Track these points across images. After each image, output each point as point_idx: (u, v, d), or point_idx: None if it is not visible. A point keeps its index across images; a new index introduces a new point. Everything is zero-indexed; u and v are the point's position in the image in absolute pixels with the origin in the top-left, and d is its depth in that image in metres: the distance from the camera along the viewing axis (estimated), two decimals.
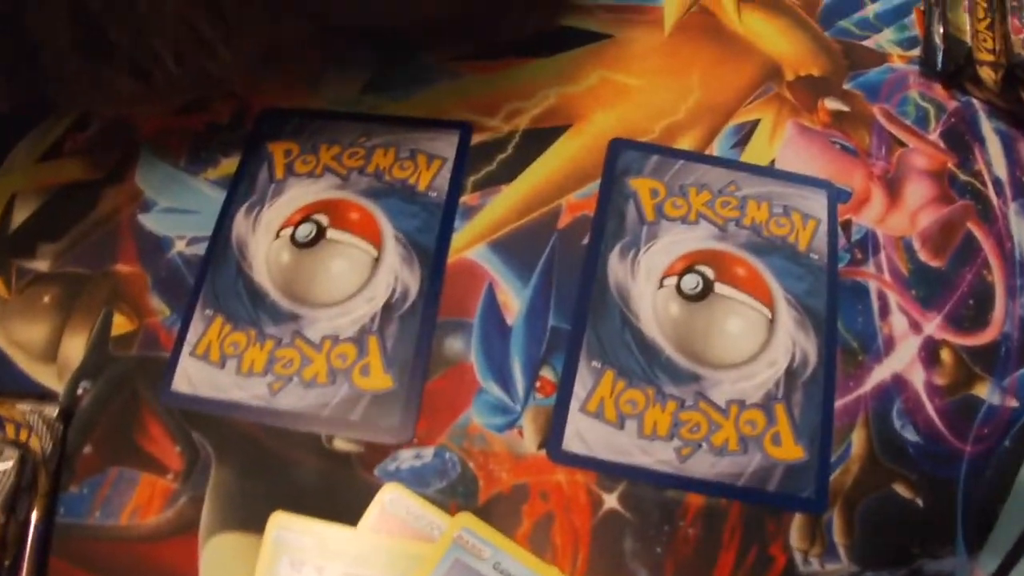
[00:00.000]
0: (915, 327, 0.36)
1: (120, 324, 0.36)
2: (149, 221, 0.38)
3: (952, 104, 0.42)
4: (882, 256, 0.37)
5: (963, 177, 0.40)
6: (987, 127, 0.41)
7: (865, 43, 0.43)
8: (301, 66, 0.40)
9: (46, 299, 0.37)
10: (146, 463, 0.34)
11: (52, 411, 0.35)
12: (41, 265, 0.38)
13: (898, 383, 0.35)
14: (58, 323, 0.37)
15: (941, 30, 0.43)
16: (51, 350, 0.36)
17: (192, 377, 0.35)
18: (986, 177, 0.40)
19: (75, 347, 0.36)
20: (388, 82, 0.40)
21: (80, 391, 0.35)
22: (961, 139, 0.41)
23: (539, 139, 0.38)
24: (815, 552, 0.32)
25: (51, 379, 0.36)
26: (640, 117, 0.39)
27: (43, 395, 0.35)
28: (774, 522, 0.32)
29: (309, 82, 0.40)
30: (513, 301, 0.35)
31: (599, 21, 0.42)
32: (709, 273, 0.35)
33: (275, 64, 0.37)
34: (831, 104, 0.40)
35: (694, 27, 0.42)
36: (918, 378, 0.35)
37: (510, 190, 0.37)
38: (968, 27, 0.43)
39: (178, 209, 0.38)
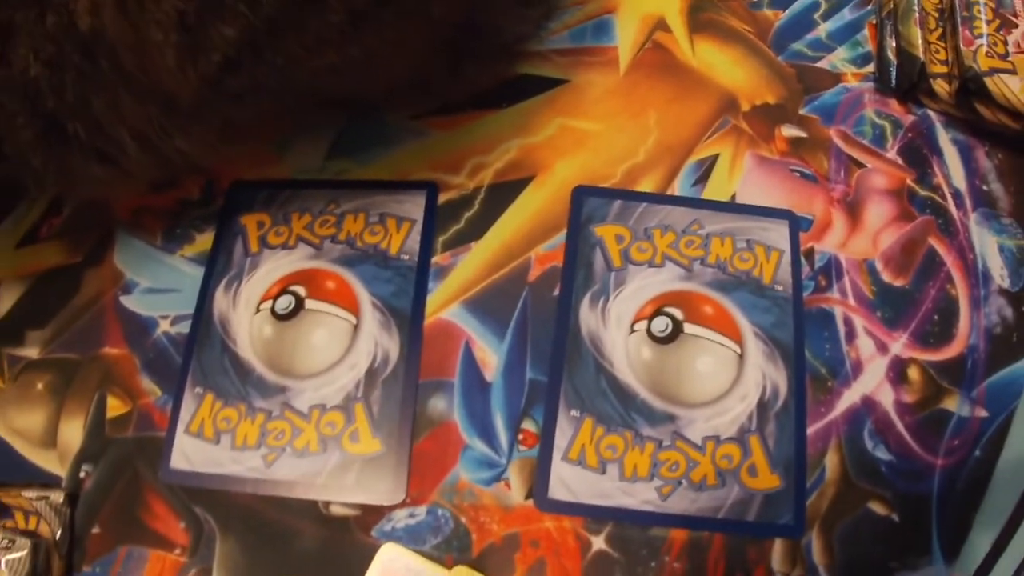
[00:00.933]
0: (882, 348, 0.37)
1: (114, 407, 0.37)
2: (132, 302, 0.39)
3: (908, 119, 0.42)
4: (846, 281, 0.38)
5: (923, 192, 0.41)
6: (944, 139, 0.42)
7: (819, 64, 0.43)
8: (265, 137, 0.40)
9: (39, 386, 0.38)
10: (153, 540, 0.35)
11: (58, 497, 0.36)
12: (31, 352, 0.39)
13: (868, 405, 0.36)
14: (54, 409, 0.38)
15: (894, 44, 0.44)
16: (50, 436, 0.37)
17: (189, 454, 0.36)
18: (946, 190, 0.41)
19: (73, 431, 0.37)
20: (352, 145, 0.41)
21: (83, 475, 0.37)
22: (919, 154, 0.41)
23: (504, 193, 0.39)
24: (797, 574, 0.34)
25: (53, 464, 0.37)
26: (601, 163, 0.40)
27: (47, 483, 0.37)
28: (755, 549, 0.34)
29: (276, 149, 0.41)
30: (491, 357, 0.36)
31: (555, 66, 0.42)
32: (678, 314, 0.36)
33: (235, 140, 0.38)
34: (788, 131, 0.41)
35: (649, 64, 0.43)
36: (887, 398, 0.36)
37: (479, 248, 0.38)
38: (920, 40, 0.43)
39: (159, 289, 0.39)
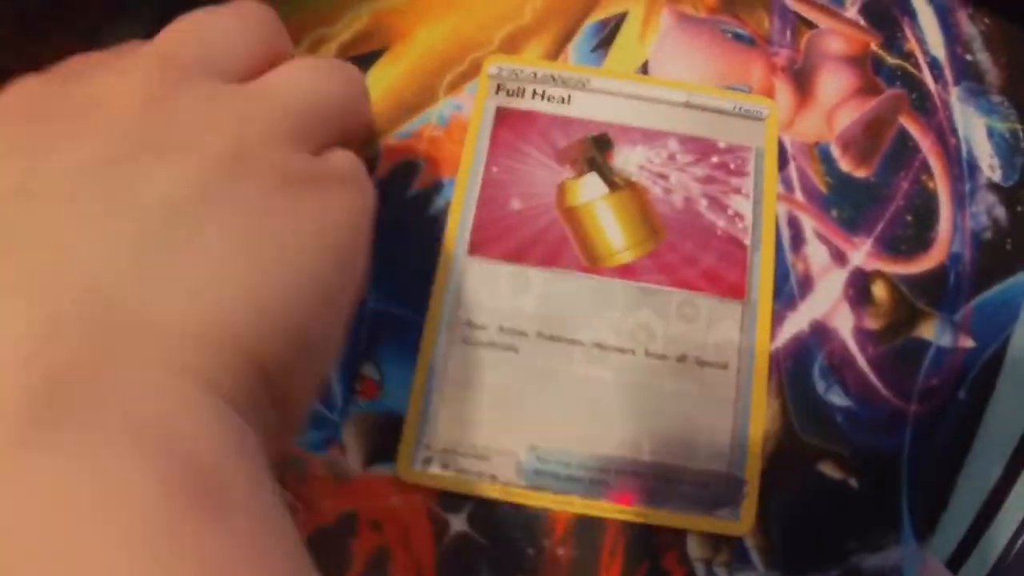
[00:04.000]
0: (839, 258, 0.28)
1: None
2: None
3: None
4: (791, 170, 0.29)
5: (891, 60, 0.31)
6: None
7: None
8: (70, 25, 0.31)
9: None
10: None
11: None
12: None
13: (819, 333, 0.27)
14: None
15: None
16: None
17: None
18: (920, 58, 0.31)
19: None
20: None
21: None
22: (886, 14, 0.32)
23: None
24: (721, 560, 0.26)
25: None
26: (474, 27, 0.30)
27: None
28: (665, 531, 0.26)
29: (88, 38, 0.32)
30: None
31: None
32: None
33: (36, 33, 0.29)
34: None
35: None
36: (845, 324, 0.28)
37: None
38: None
39: None
